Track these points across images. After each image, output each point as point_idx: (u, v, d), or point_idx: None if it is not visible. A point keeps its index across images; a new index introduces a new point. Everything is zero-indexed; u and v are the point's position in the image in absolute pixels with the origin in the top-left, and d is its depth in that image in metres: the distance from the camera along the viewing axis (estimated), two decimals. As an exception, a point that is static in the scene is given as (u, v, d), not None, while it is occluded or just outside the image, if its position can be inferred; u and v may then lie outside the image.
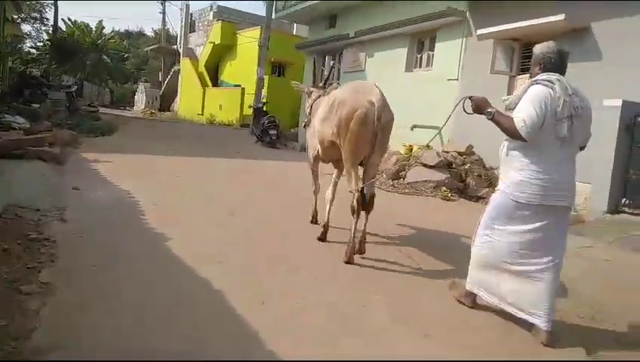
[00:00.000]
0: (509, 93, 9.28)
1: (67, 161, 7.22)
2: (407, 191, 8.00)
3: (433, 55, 11.12)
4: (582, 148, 2.93)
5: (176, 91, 28.76)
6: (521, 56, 9.29)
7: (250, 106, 16.03)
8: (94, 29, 34.34)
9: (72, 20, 34.12)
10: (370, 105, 3.86)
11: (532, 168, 2.74)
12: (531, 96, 2.72)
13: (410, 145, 10.09)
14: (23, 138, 6.79)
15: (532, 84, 2.80)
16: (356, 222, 3.85)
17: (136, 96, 32.31)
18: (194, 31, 29.15)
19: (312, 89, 5.07)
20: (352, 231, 3.86)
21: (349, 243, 3.89)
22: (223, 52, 24.45)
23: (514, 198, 2.80)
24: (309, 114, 4.86)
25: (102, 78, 37.49)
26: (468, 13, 10.17)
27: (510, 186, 2.83)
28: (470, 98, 3.05)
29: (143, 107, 28.84)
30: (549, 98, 2.70)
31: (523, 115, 2.69)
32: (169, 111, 28.70)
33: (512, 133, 2.76)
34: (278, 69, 21.96)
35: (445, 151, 9.43)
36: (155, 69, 38.90)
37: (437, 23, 10.69)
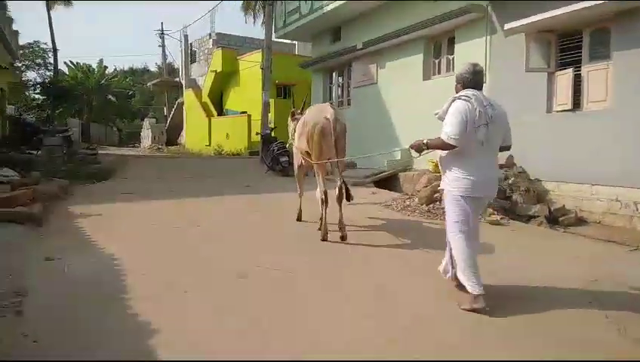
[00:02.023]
0: (549, 92, 8.19)
1: (49, 219, 6.21)
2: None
3: (453, 58, 10.21)
4: (506, 148, 3.61)
5: (182, 124, 28.15)
6: (559, 49, 8.10)
7: (257, 133, 15.09)
8: (96, 70, 34.09)
9: (74, 63, 33.94)
10: (325, 120, 5.25)
11: (460, 167, 3.43)
12: (453, 110, 3.39)
13: (436, 162, 8.97)
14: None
15: (454, 100, 3.43)
16: (324, 209, 5.35)
17: (142, 133, 31.80)
18: (195, 61, 28.77)
19: (297, 116, 6.34)
20: (323, 217, 5.35)
21: (321, 225, 5.41)
22: (225, 79, 24.07)
23: (453, 193, 3.47)
24: (293, 137, 6.26)
25: (109, 117, 37.34)
26: (490, 7, 9.06)
27: (449, 183, 3.52)
28: (410, 147, 3.71)
29: (150, 143, 28.17)
30: (467, 110, 3.36)
31: (448, 129, 3.37)
32: (177, 144, 28.05)
33: (446, 146, 3.43)
34: (283, 91, 21.44)
35: None
36: (161, 103, 38.54)
37: (454, 23, 9.68)
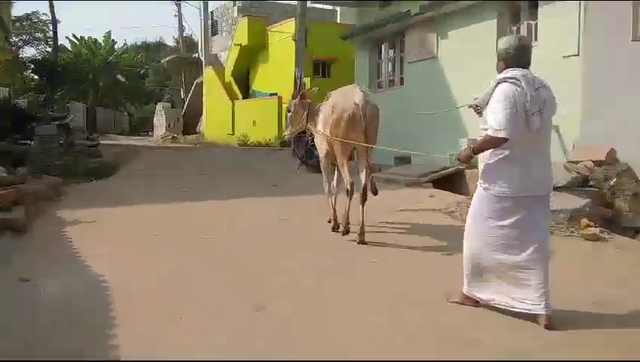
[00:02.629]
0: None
1: (33, 226, 6.28)
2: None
3: (536, 25, 9.88)
4: None
5: (201, 108, 28.50)
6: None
7: (288, 111, 15.00)
8: (103, 44, 34.89)
9: (78, 37, 34.89)
10: (354, 106, 5.58)
11: (506, 162, 3.47)
12: (499, 96, 3.43)
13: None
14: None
15: (499, 83, 3.48)
16: (349, 201, 5.80)
17: (155, 120, 32.37)
18: (217, 33, 29.07)
19: (293, 102, 6.79)
20: (347, 211, 5.88)
21: (343, 220, 5.99)
22: (252, 55, 24.15)
23: (493, 193, 3.53)
24: (294, 124, 6.77)
25: (118, 101, 38.36)
26: (586, -42, 8.53)
27: (487, 181, 3.57)
28: (457, 160, 3.82)
29: (164, 132, 28.63)
30: (516, 95, 3.40)
31: (494, 119, 3.40)
32: (195, 133, 28.41)
33: (496, 143, 3.45)
34: (322, 68, 21.46)
35: (573, 162, 7.84)
36: (178, 84, 39.14)
37: (538, -21, 9.22)
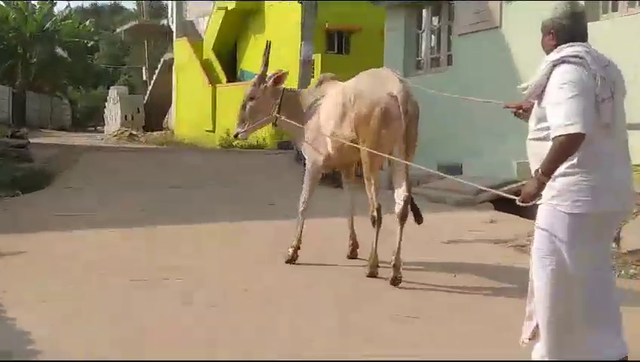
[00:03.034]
0: None
1: None
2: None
3: None
4: None
5: (171, 95, 28.50)
6: None
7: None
8: (38, 7, 35.14)
9: (6, -2, 35.15)
10: (391, 99, 5.62)
11: (578, 167, 3.42)
12: (562, 81, 3.39)
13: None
14: None
15: (557, 64, 3.47)
16: (377, 232, 5.88)
17: (106, 110, 32.51)
18: (193, -7, 28.96)
19: (258, 86, 6.64)
20: (374, 245, 5.91)
21: (370, 258, 6.00)
22: (242, 23, 24.37)
23: (561, 208, 3.48)
24: (255, 117, 6.74)
25: (56, 83, 38.63)
26: None
27: (556, 195, 3.51)
28: (519, 202, 3.62)
29: (118, 127, 28.72)
30: (583, 78, 3.37)
31: (559, 116, 3.34)
32: (161, 129, 28.45)
33: (570, 146, 3.36)
34: (338, 41, 21.57)
35: None
36: (139, 62, 39.33)
37: None
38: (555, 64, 3.47)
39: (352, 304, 5.36)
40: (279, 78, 6.63)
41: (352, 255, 6.66)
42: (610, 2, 10.34)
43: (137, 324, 4.72)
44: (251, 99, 6.64)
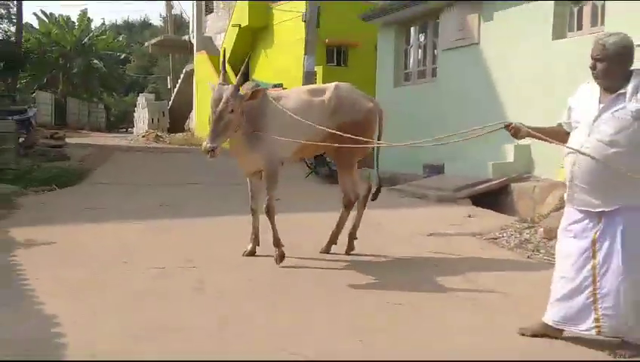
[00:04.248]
0: None
1: None
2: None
3: (603, 6, 9.70)
4: None
5: (192, 101, 28.47)
6: None
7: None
8: (77, 23, 35.09)
9: (47, 14, 35.13)
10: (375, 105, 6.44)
11: None
12: None
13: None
14: None
15: None
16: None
17: (135, 114, 32.44)
18: (211, 11, 29.13)
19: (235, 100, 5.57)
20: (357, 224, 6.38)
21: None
22: (253, 38, 24.29)
23: None
24: (230, 130, 5.58)
25: (93, 90, 38.54)
26: None
27: None
28: None
29: (146, 128, 28.64)
30: None
31: None
32: (183, 130, 28.37)
33: None
34: (337, 55, 21.44)
35: None
36: (165, 72, 39.31)
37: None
38: None
39: (342, 293, 5.16)
40: (255, 94, 5.75)
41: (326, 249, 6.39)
42: (576, 21, 10.26)
43: (151, 310, 4.57)
44: (231, 111, 5.51)
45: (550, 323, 3.84)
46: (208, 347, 3.89)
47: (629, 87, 3.55)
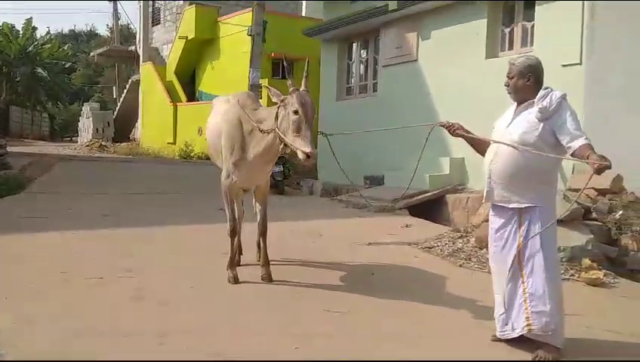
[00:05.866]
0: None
1: None
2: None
3: (533, 27, 10.09)
4: None
5: (137, 111, 28.11)
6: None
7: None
8: (21, 32, 34.23)
9: (-8, 22, 34.01)
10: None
11: (555, 180, 4.24)
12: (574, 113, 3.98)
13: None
14: None
15: (563, 99, 3.97)
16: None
17: (80, 123, 31.81)
18: (158, 23, 28.83)
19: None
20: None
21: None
22: (200, 50, 24.22)
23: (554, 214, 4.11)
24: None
25: (37, 99, 37.38)
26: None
27: (550, 202, 4.07)
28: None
29: (91, 138, 28.09)
30: None
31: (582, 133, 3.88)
32: (129, 140, 27.95)
33: None
34: (282, 69, 21.38)
35: (572, 190, 7.75)
36: (110, 82, 38.67)
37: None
38: (560, 99, 3.88)
39: (287, 300, 5.15)
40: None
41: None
42: (507, 42, 10.57)
43: (87, 321, 4.44)
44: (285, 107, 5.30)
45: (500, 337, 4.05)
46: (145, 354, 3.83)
47: (537, 97, 3.93)
